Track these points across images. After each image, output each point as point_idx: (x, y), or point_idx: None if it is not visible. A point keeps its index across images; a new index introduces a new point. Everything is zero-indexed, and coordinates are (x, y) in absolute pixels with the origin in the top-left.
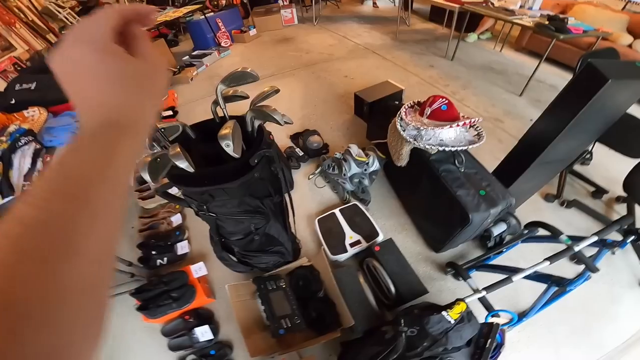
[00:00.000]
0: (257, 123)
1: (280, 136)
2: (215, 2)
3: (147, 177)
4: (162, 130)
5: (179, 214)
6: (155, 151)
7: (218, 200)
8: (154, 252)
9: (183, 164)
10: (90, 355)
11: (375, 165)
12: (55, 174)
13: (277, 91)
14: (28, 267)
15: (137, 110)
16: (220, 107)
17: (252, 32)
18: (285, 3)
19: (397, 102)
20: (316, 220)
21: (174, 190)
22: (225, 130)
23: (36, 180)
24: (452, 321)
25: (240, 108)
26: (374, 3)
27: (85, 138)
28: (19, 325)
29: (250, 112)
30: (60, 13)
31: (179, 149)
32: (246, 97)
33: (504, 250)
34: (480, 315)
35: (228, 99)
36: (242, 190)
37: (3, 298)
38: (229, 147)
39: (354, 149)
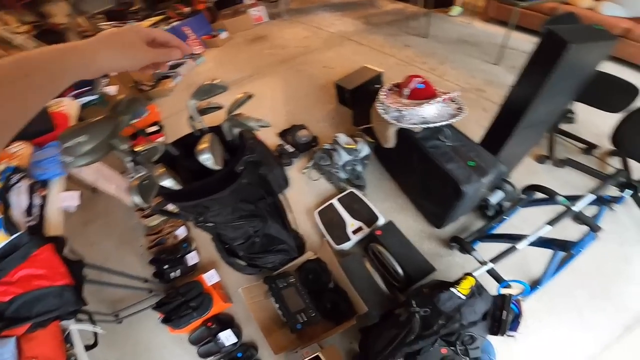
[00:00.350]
0: (236, 131)
1: (269, 135)
2: (179, 11)
3: (138, 200)
4: (144, 153)
5: (183, 227)
6: (141, 174)
7: (213, 210)
8: (166, 267)
9: (169, 183)
10: None
11: (365, 151)
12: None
13: (251, 97)
14: None
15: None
16: (196, 121)
17: (224, 35)
18: (251, 1)
19: (377, 86)
20: (316, 213)
21: (171, 206)
22: (202, 145)
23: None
24: (463, 297)
25: (218, 118)
26: None
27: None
28: None
29: (227, 122)
30: (17, 39)
31: (163, 169)
32: (220, 108)
33: (505, 217)
34: (492, 287)
35: (204, 111)
36: (233, 197)
37: None
38: (209, 161)
39: (342, 138)
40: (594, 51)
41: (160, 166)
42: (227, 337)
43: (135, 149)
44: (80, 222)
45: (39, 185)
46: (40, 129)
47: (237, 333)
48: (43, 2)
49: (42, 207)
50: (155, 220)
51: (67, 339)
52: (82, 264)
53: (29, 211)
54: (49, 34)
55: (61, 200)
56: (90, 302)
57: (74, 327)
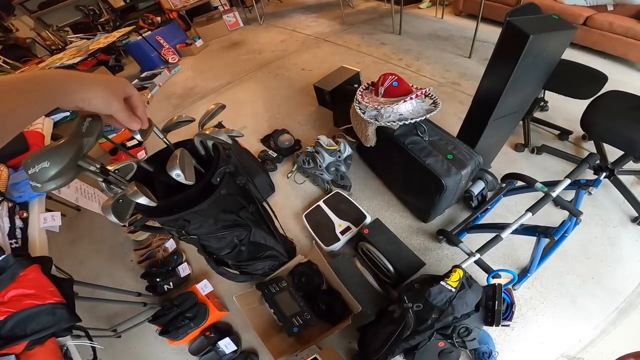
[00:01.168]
0: (209, 143)
1: (251, 141)
2: (150, 21)
3: (113, 219)
4: (117, 171)
5: (171, 240)
6: (114, 193)
7: (194, 222)
8: (158, 279)
9: (144, 201)
10: None
11: (347, 151)
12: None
13: (223, 107)
14: None
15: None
16: (163, 139)
17: (199, 43)
18: (225, 7)
19: (355, 85)
20: (303, 216)
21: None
22: (172, 162)
23: None
24: (453, 289)
25: (192, 130)
26: None
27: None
28: None
29: (197, 136)
30: None
31: (135, 187)
32: (192, 121)
33: (489, 207)
34: (482, 278)
35: (172, 127)
36: (213, 209)
37: None
38: (180, 176)
39: (324, 140)
40: (554, 40)
41: (133, 184)
42: (226, 345)
43: (108, 168)
44: (67, 241)
45: (19, 208)
46: (15, 150)
47: (236, 340)
48: (5, 17)
49: (23, 229)
50: (143, 235)
51: (66, 356)
52: (71, 281)
53: (11, 234)
54: (14, 49)
55: (43, 222)
56: (87, 319)
57: (70, 343)
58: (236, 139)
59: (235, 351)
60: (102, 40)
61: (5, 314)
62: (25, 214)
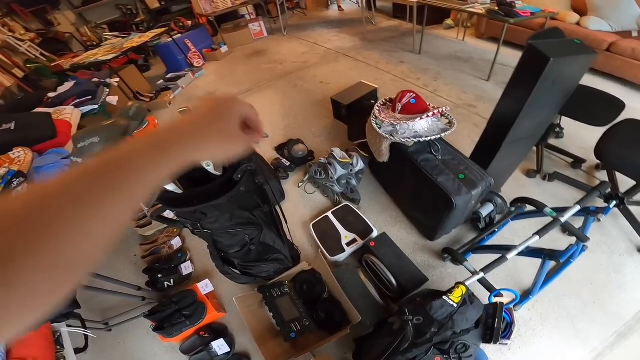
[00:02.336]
0: None
1: (266, 149)
2: (181, 24)
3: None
4: None
5: (177, 237)
6: None
7: (210, 216)
8: (160, 276)
9: (171, 187)
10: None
11: (359, 165)
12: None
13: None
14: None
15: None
16: None
17: (224, 49)
18: (252, 17)
19: (372, 102)
20: (311, 226)
21: (169, 214)
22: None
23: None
24: (455, 305)
25: None
26: (339, 7)
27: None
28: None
29: None
30: (21, 46)
31: None
32: None
33: (496, 230)
34: (484, 297)
35: None
36: (231, 204)
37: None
38: (209, 166)
39: (338, 152)
40: (574, 65)
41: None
42: (219, 347)
43: None
44: None
45: None
46: (43, 135)
47: (230, 342)
48: (50, 10)
49: None
50: (151, 230)
51: (57, 342)
52: None
53: None
54: (52, 43)
55: None
56: (81, 310)
57: (65, 329)
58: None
59: (228, 353)
60: (136, 39)
61: None
62: None
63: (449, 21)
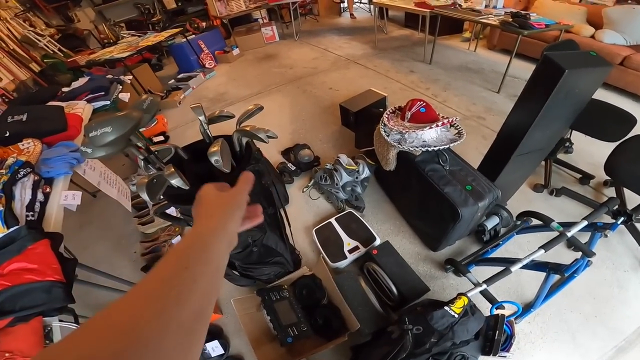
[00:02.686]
0: (244, 141)
1: (272, 152)
2: (196, 25)
3: (145, 197)
4: (156, 152)
5: (179, 236)
6: (151, 173)
7: None
8: None
9: (178, 182)
10: None
11: (365, 173)
12: (177, 253)
13: (261, 108)
14: (156, 305)
15: (218, 216)
16: (206, 130)
17: (236, 51)
18: (265, 21)
19: (381, 110)
20: (313, 231)
21: (172, 212)
22: (214, 148)
23: (166, 255)
24: (456, 315)
25: (228, 127)
26: (352, 14)
27: (194, 235)
28: (134, 344)
29: (236, 132)
30: (40, 41)
31: (173, 169)
32: (232, 117)
33: (501, 243)
34: (486, 308)
35: (214, 119)
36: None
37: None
38: (219, 162)
39: (344, 159)
40: (589, 77)
41: (170, 166)
42: (213, 348)
43: (150, 148)
44: (76, 225)
45: (44, 182)
46: (54, 128)
47: (225, 345)
48: (72, 7)
49: (43, 203)
50: (153, 227)
51: (47, 336)
52: (75, 262)
53: (30, 206)
54: (71, 39)
55: (63, 199)
56: (75, 305)
57: (56, 324)
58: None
59: (221, 355)
60: (152, 38)
61: (0, 287)
62: (48, 189)
63: (466, 34)
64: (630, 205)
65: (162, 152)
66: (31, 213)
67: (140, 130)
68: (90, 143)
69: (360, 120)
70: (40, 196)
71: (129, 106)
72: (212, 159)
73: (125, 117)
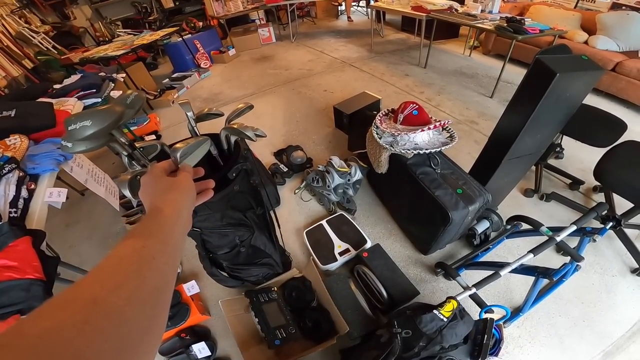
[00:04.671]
0: (232, 139)
1: (265, 153)
2: (193, 24)
3: (127, 193)
4: (141, 149)
5: None
6: (135, 169)
7: (201, 214)
8: None
9: None
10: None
11: (357, 175)
12: (135, 234)
13: (251, 107)
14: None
15: (170, 202)
16: (194, 128)
17: (231, 52)
18: (262, 22)
19: (374, 112)
20: (304, 233)
21: None
22: (179, 144)
23: (125, 237)
24: (445, 319)
25: (219, 126)
26: (349, 17)
27: (151, 218)
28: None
29: (224, 130)
30: (35, 38)
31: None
32: (221, 115)
33: (491, 247)
34: (475, 312)
35: (203, 117)
36: (223, 203)
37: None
38: (175, 160)
39: (336, 161)
40: (580, 81)
41: (154, 162)
42: (200, 350)
43: (134, 144)
44: (62, 224)
45: (29, 179)
46: (42, 124)
47: (212, 346)
48: (69, 4)
49: (27, 200)
50: None
51: None
52: (57, 260)
53: (13, 203)
54: (66, 36)
55: (48, 196)
56: None
57: None
58: (250, 148)
59: (208, 357)
60: (147, 37)
61: None
62: (33, 186)
63: (474, 42)
64: (619, 211)
65: (147, 149)
66: (14, 210)
67: (131, 128)
68: (69, 137)
69: (354, 123)
70: (24, 193)
71: (113, 100)
72: (172, 155)
73: (105, 111)
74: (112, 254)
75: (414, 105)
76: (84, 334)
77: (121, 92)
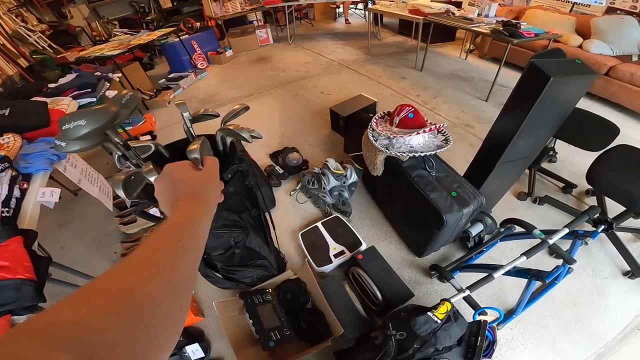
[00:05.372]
0: (228, 140)
1: (261, 155)
2: (190, 25)
3: (121, 193)
4: (135, 149)
5: None
6: (129, 169)
7: None
8: None
9: (155, 179)
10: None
11: (353, 178)
12: (171, 228)
13: (247, 108)
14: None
15: (204, 201)
16: (189, 129)
17: (229, 53)
18: (260, 23)
19: (371, 115)
20: (299, 235)
21: (156, 212)
22: (194, 145)
23: (159, 230)
24: (439, 321)
25: (214, 127)
26: (347, 20)
27: (185, 213)
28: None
29: (219, 131)
30: (31, 37)
31: (152, 166)
32: (217, 116)
33: (484, 249)
34: (469, 314)
35: (199, 118)
36: (218, 205)
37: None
38: (197, 160)
39: (332, 163)
40: (574, 85)
41: (149, 163)
42: (193, 351)
43: (128, 143)
44: (54, 224)
45: (21, 178)
46: (36, 123)
47: (206, 348)
48: (66, 3)
49: (19, 200)
50: (135, 227)
51: None
52: (48, 260)
53: (5, 202)
54: (62, 35)
55: (41, 195)
56: (47, 305)
57: None
58: (245, 150)
59: (202, 358)
60: (144, 37)
61: None
62: (25, 185)
63: (470, 46)
64: (611, 214)
65: (140, 149)
66: (6, 209)
67: (127, 128)
68: (63, 136)
69: (350, 125)
70: (16, 192)
71: (109, 100)
72: (191, 157)
73: (100, 111)
74: (148, 244)
75: (410, 108)
76: (117, 324)
77: (116, 91)
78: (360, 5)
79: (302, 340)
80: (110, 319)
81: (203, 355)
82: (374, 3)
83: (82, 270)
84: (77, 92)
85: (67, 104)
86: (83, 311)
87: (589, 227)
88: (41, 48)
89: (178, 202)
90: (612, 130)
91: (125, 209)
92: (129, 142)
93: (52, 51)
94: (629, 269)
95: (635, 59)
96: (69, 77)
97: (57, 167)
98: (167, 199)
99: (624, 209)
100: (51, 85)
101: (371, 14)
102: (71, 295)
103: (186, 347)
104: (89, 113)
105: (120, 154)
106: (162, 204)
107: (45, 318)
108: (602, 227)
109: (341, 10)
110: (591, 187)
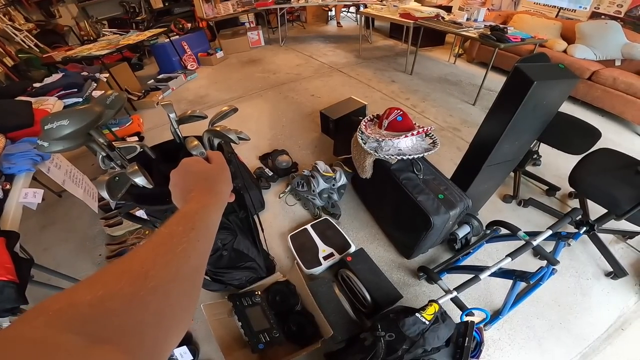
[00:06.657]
0: (216, 142)
1: (250, 157)
2: (181, 26)
3: (105, 194)
4: (119, 150)
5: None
6: (113, 170)
7: None
8: None
9: (142, 181)
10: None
11: (342, 180)
12: (186, 216)
13: (235, 110)
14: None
15: (217, 193)
16: (176, 130)
17: (219, 54)
18: (252, 25)
19: (360, 118)
20: (289, 237)
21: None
22: (194, 142)
23: (175, 217)
24: (427, 322)
25: (201, 128)
26: (338, 23)
27: (200, 204)
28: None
29: (206, 132)
30: (17, 36)
31: (136, 167)
32: (204, 117)
33: (471, 251)
34: (456, 316)
35: (186, 119)
36: None
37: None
38: (204, 155)
39: (321, 166)
40: (556, 88)
41: (134, 164)
42: (181, 354)
43: (113, 144)
44: (38, 225)
45: (4, 179)
46: (19, 122)
47: (194, 351)
48: (54, 2)
49: (2, 201)
50: (121, 230)
51: None
52: (30, 262)
53: None
54: (49, 35)
55: (23, 196)
56: (29, 307)
57: (7, 325)
58: (234, 152)
59: None
60: (134, 37)
61: None
62: (8, 186)
63: (459, 50)
64: (592, 216)
65: (125, 150)
66: None
67: (113, 129)
68: (45, 136)
69: (340, 128)
70: None
71: (93, 100)
72: (197, 152)
73: (84, 111)
74: (164, 231)
75: (399, 111)
76: (130, 307)
77: (103, 92)
78: (352, 9)
79: (292, 343)
80: (124, 301)
81: (191, 358)
82: (365, 7)
83: (67, 273)
84: (63, 92)
85: (52, 104)
86: (100, 293)
87: (571, 229)
88: (27, 47)
89: (192, 193)
90: (594, 134)
91: (111, 210)
92: (113, 143)
93: (38, 50)
94: (611, 269)
95: (618, 63)
96: (55, 77)
97: (40, 168)
98: (181, 190)
99: (606, 211)
100: (36, 85)
101: (363, 18)
102: (92, 276)
103: (174, 350)
104: (72, 113)
105: (104, 154)
106: (176, 195)
107: (62, 299)
108: (584, 228)
109: (333, 13)
110: (574, 190)
